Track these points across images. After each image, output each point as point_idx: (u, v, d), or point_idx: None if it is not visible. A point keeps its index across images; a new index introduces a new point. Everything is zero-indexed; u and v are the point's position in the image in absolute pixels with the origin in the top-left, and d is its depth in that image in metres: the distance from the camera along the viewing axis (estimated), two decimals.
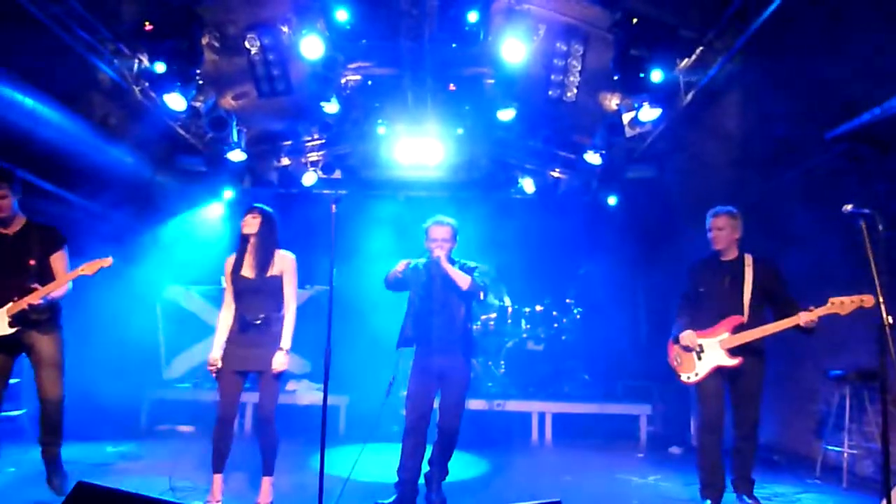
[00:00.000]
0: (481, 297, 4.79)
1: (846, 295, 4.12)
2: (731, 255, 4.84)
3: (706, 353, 4.69)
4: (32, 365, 4.62)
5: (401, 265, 4.78)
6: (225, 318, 4.62)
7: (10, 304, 4.43)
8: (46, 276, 4.60)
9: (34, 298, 4.40)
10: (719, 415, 4.69)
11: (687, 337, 4.74)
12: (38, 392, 4.61)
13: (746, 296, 4.68)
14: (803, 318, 4.34)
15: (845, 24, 5.24)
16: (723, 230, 4.78)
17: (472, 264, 4.88)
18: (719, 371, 4.67)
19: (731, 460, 4.77)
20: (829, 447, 5.91)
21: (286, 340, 4.53)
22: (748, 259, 4.79)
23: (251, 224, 4.58)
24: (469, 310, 4.94)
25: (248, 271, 4.56)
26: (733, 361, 4.60)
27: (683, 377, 4.80)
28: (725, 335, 4.64)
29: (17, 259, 4.52)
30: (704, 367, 4.70)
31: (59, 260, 4.68)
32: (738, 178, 7.30)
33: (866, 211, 3.80)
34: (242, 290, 4.53)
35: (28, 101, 5.87)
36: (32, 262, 4.54)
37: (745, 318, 4.63)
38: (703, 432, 4.76)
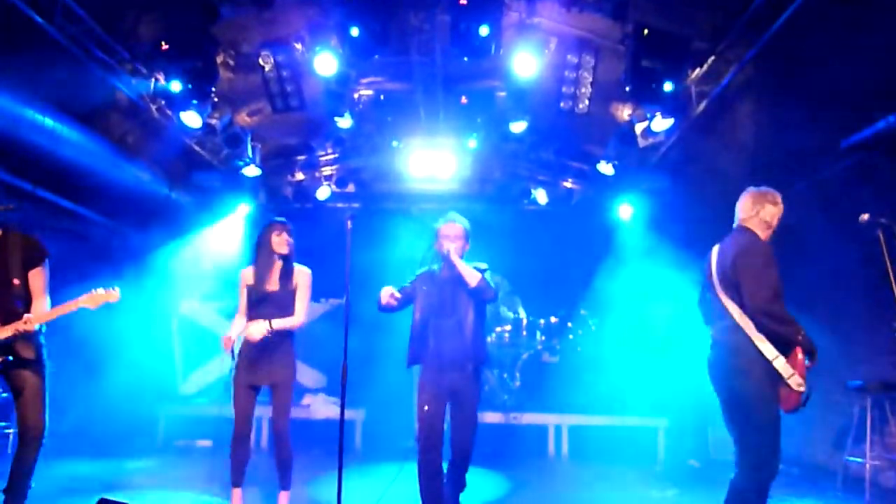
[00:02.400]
0: (489, 296, 4.49)
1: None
2: None
3: None
4: (13, 393, 4.10)
5: (385, 293, 4.43)
6: (239, 324, 4.67)
7: None
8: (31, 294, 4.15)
9: (28, 326, 3.90)
10: None
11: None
12: (20, 422, 4.07)
13: None
14: None
15: (858, 32, 5.22)
16: None
17: (483, 266, 4.61)
18: None
19: None
20: (851, 459, 5.84)
21: (279, 324, 4.49)
22: None
23: (286, 245, 4.64)
24: (480, 316, 4.61)
25: (271, 285, 4.61)
26: None
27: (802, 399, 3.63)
28: None
29: None
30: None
31: (36, 277, 4.13)
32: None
33: (883, 220, 3.75)
34: (259, 301, 4.56)
35: (48, 121, 5.97)
36: (17, 282, 4.03)
37: None
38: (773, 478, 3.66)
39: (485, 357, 4.63)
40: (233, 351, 4.50)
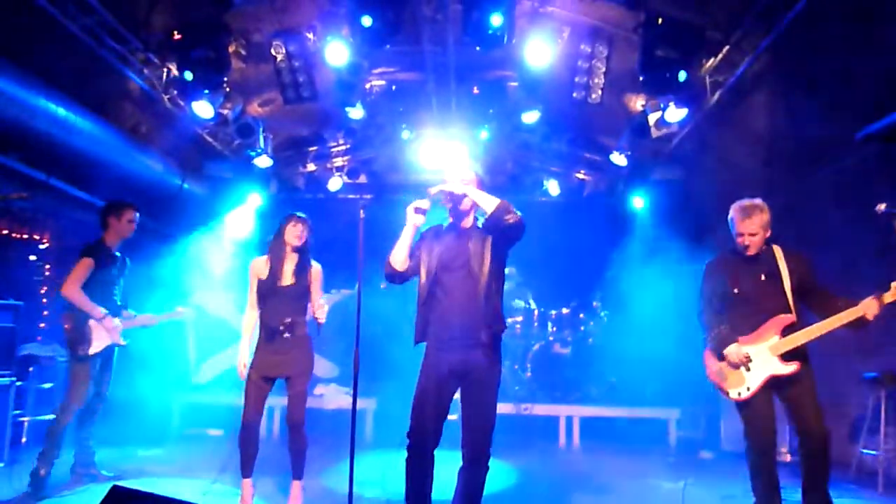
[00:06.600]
0: (514, 221, 3.67)
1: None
2: (760, 248, 4.17)
3: (755, 362, 4.00)
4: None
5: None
6: (249, 320, 4.65)
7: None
8: None
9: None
10: (773, 432, 4.04)
11: (734, 353, 4.02)
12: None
13: (789, 292, 4.02)
14: (870, 308, 3.74)
15: (874, 21, 5.15)
16: (756, 236, 4.08)
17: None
18: (768, 381, 3.99)
19: (808, 492, 3.94)
20: (865, 451, 5.80)
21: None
22: (778, 251, 4.14)
23: (302, 236, 4.62)
24: (497, 272, 3.76)
25: (286, 279, 4.57)
26: (789, 368, 3.92)
27: (732, 394, 4.07)
28: (775, 339, 3.98)
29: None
30: (755, 379, 4.00)
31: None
32: (766, 179, 7.20)
33: None
34: (272, 294, 4.53)
35: (61, 111, 5.99)
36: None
37: (795, 317, 3.99)
38: (759, 456, 4.02)
39: (503, 325, 3.78)
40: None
